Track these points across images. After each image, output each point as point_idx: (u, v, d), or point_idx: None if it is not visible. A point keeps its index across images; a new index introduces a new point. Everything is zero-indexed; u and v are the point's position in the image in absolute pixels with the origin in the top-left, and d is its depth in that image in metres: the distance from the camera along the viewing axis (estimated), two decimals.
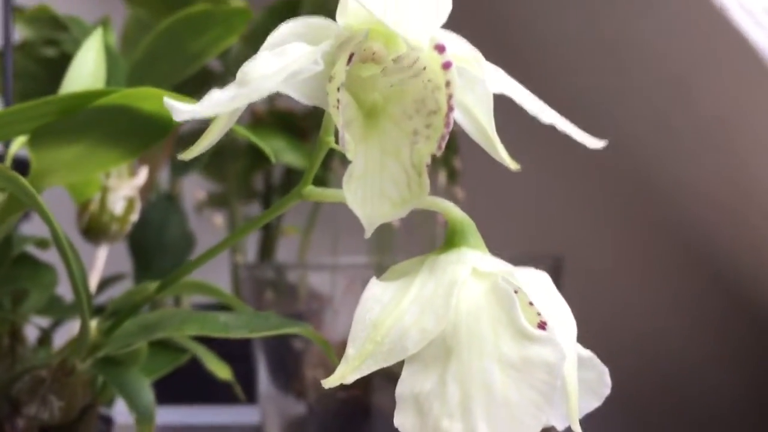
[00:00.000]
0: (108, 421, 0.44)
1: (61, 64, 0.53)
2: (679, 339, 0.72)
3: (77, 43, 0.49)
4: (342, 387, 0.49)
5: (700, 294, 0.72)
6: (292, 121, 0.61)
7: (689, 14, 0.50)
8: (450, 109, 0.20)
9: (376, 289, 0.22)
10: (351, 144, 0.20)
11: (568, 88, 0.69)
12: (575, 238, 0.69)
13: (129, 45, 0.59)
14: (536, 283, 0.22)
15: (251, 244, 0.67)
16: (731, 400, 0.70)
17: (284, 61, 0.21)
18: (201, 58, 0.41)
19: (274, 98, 0.64)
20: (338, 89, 0.20)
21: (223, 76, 0.61)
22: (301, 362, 0.52)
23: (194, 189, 0.65)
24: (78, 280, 0.31)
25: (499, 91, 0.21)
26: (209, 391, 0.55)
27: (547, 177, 0.71)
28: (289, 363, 0.53)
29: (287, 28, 0.22)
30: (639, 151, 0.68)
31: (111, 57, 0.42)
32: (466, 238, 0.23)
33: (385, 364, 0.21)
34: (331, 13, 0.56)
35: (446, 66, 0.20)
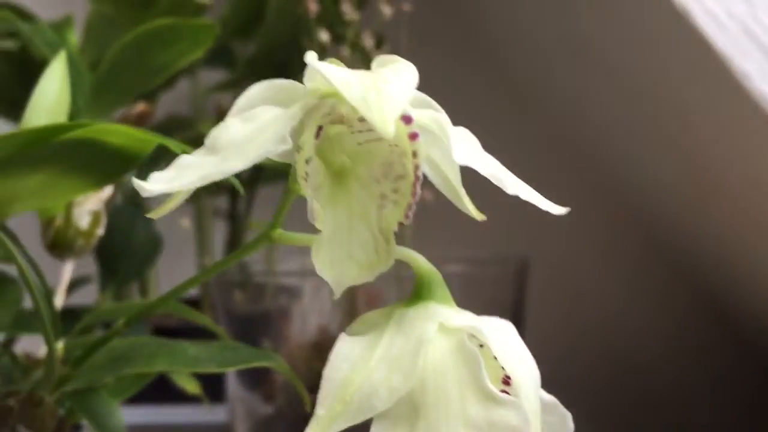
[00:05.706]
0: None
1: (23, 57, 0.52)
2: (643, 331, 0.73)
3: (38, 41, 0.49)
4: (312, 390, 0.50)
5: (666, 288, 0.73)
6: None
7: (651, 18, 0.50)
8: (417, 178, 0.20)
9: (345, 347, 0.22)
10: (320, 213, 0.21)
11: (535, 85, 0.70)
12: (542, 234, 0.70)
13: (92, 40, 0.58)
14: (500, 338, 0.23)
15: (218, 239, 0.67)
16: (693, 390, 0.72)
17: (253, 126, 0.21)
18: (166, 71, 0.41)
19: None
20: (306, 162, 0.20)
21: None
22: None
23: None
24: (43, 309, 0.31)
25: (464, 163, 0.21)
26: (175, 390, 0.55)
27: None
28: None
29: (254, 92, 0.22)
30: (604, 147, 0.69)
31: (75, 68, 0.41)
32: (433, 291, 0.23)
33: (354, 422, 0.22)
34: (295, 21, 0.55)
35: (413, 137, 0.20)
